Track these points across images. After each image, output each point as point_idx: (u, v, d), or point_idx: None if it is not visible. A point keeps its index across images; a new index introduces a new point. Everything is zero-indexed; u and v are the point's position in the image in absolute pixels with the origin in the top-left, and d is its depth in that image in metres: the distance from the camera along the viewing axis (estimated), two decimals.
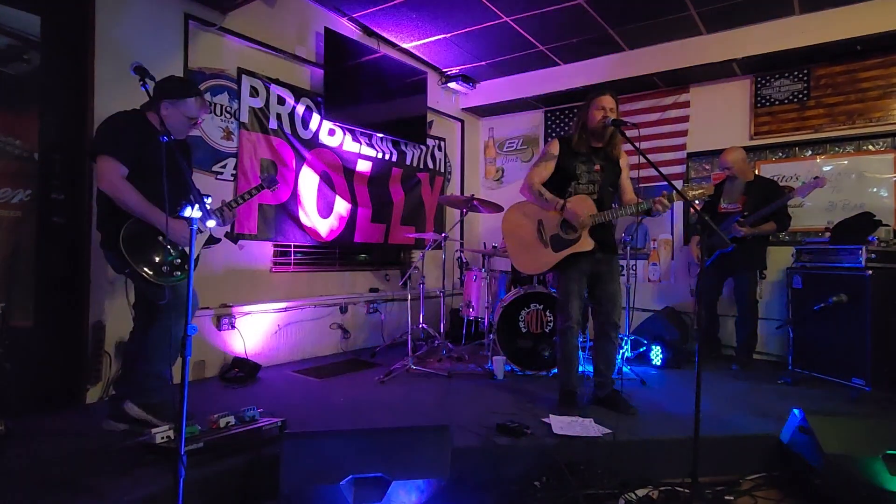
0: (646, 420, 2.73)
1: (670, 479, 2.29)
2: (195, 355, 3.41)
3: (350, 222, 4.61)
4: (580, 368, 3.31)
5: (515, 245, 3.05)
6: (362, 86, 4.55)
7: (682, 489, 2.22)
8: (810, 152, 4.55)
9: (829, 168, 4.42)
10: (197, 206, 1.71)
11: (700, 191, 2.70)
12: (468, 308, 4.34)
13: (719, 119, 4.88)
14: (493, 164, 6.37)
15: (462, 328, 4.63)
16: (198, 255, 2.62)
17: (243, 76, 3.80)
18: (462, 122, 6.09)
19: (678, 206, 5.01)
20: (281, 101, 4.06)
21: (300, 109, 4.20)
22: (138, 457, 2.05)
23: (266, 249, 4.07)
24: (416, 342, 4.33)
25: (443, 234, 4.23)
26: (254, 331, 3.86)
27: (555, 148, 2.95)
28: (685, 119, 5.05)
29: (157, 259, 2.32)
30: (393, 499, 1.91)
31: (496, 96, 5.75)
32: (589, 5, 4.07)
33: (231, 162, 3.75)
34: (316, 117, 4.31)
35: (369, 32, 4.72)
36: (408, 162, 5.23)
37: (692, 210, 2.33)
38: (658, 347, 4.09)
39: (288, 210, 4.12)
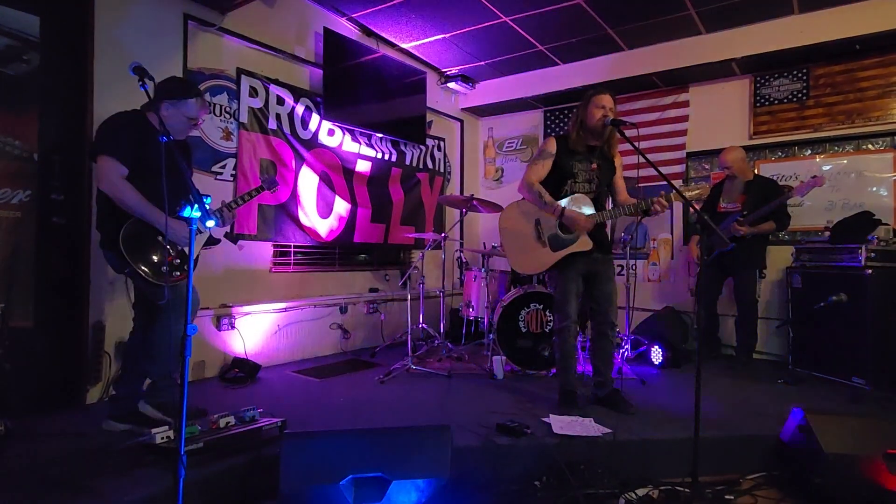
0: (646, 420, 2.73)
1: (670, 479, 2.29)
2: (195, 355, 3.41)
3: (350, 222, 4.61)
4: (580, 368, 3.31)
5: (513, 245, 3.04)
6: (362, 86, 4.55)
7: (682, 489, 2.22)
8: (809, 152, 4.55)
9: (828, 167, 4.42)
10: (196, 206, 1.71)
11: (696, 192, 2.71)
12: (468, 308, 4.34)
13: (719, 118, 4.88)
14: (493, 164, 6.37)
15: (462, 328, 4.63)
16: (197, 256, 2.62)
17: (242, 76, 3.80)
18: (461, 122, 6.09)
19: (678, 205, 5.02)
20: (280, 101, 4.06)
21: (299, 110, 4.20)
22: (138, 457, 2.05)
23: (266, 250, 4.07)
24: (416, 342, 4.33)
25: (442, 234, 4.23)
26: (254, 331, 3.86)
27: (552, 146, 2.94)
28: (684, 119, 5.05)
29: (156, 259, 2.32)
30: (393, 499, 1.91)
31: (495, 96, 5.76)
32: (588, 5, 4.07)
33: (230, 162, 3.75)
34: (315, 117, 4.31)
35: (368, 32, 4.72)
36: (407, 162, 5.23)
37: (692, 210, 2.33)
38: (658, 347, 4.09)
39: (287, 210, 4.12)
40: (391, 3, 4.17)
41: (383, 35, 4.78)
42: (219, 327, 3.64)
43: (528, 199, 2.98)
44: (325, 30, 4.24)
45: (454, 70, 5.51)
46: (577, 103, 2.98)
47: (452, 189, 5.99)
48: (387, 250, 5.27)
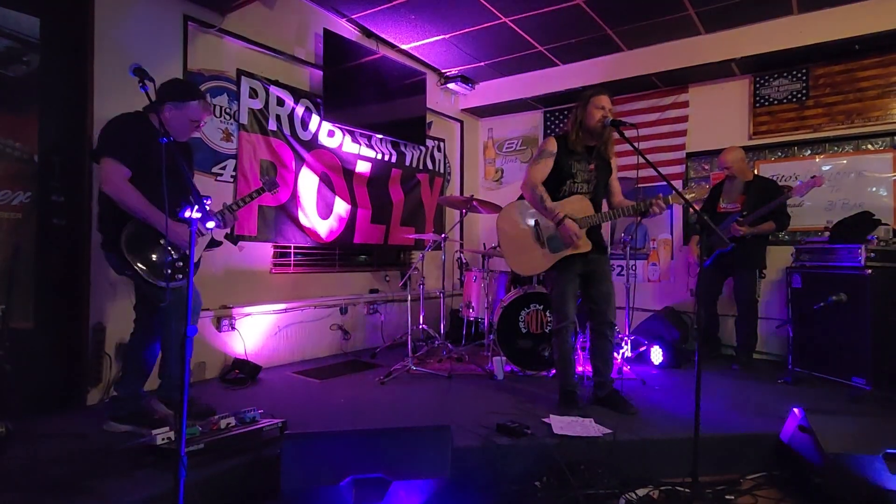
0: (646, 420, 2.74)
1: (671, 479, 2.29)
2: (195, 357, 3.41)
3: (350, 223, 4.61)
4: (579, 368, 3.32)
5: (511, 246, 3.03)
6: (361, 87, 4.55)
7: (682, 489, 2.22)
8: (809, 152, 4.55)
9: (828, 167, 4.43)
10: (197, 207, 1.71)
11: (692, 194, 2.72)
12: (468, 308, 4.35)
13: (718, 119, 4.88)
14: (493, 165, 6.37)
15: (462, 329, 4.63)
16: (199, 259, 2.63)
17: (242, 77, 3.80)
18: (461, 122, 6.09)
19: (677, 206, 5.02)
20: (280, 102, 4.06)
21: (299, 111, 4.20)
22: (139, 458, 2.06)
23: (266, 250, 4.08)
24: (417, 343, 4.33)
25: (442, 235, 4.23)
26: (254, 332, 3.86)
27: (552, 145, 2.94)
28: (684, 119, 5.06)
29: (157, 261, 2.32)
30: (393, 499, 1.91)
31: (495, 97, 5.76)
32: (587, 6, 4.07)
33: (231, 163, 3.75)
34: (315, 118, 4.31)
35: (368, 33, 4.72)
36: (407, 163, 5.23)
37: (691, 210, 2.33)
38: (658, 347, 4.09)
39: (287, 211, 4.12)
40: (391, 4, 4.18)
41: (383, 36, 4.78)
42: (219, 328, 3.64)
43: (529, 201, 2.97)
44: (325, 31, 4.24)
45: (454, 71, 5.51)
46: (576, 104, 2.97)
47: (452, 190, 5.99)
48: (387, 251, 5.27)
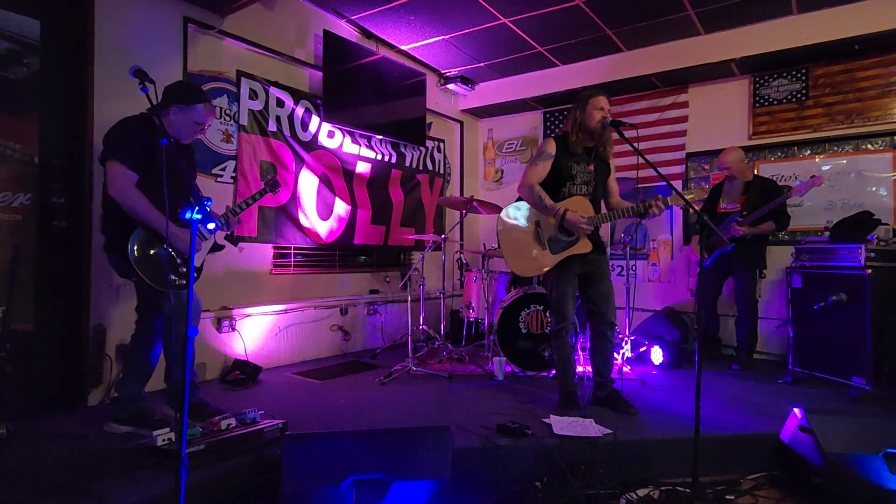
0: (646, 420, 2.74)
1: (671, 479, 2.29)
2: (196, 358, 3.41)
3: (350, 224, 4.61)
4: (580, 369, 3.32)
5: (511, 248, 3.03)
6: (361, 88, 4.56)
7: (682, 489, 2.22)
8: (809, 152, 4.56)
9: (827, 167, 4.43)
10: (197, 208, 1.71)
11: (692, 195, 2.72)
12: (468, 309, 4.35)
13: (718, 119, 4.89)
14: (493, 165, 6.37)
15: (462, 329, 4.63)
16: (202, 264, 2.63)
17: (242, 79, 3.81)
18: (461, 123, 6.09)
19: (677, 206, 5.01)
20: (280, 103, 4.07)
21: (299, 112, 4.20)
22: (140, 459, 2.06)
23: (266, 251, 4.08)
24: (417, 343, 4.33)
25: (442, 236, 4.23)
26: (254, 333, 3.87)
27: (551, 147, 2.94)
28: (684, 119, 5.06)
29: (163, 268, 2.33)
30: (394, 500, 1.91)
31: (495, 97, 5.76)
32: (587, 6, 4.08)
33: (231, 164, 3.75)
34: (315, 119, 4.32)
35: (368, 34, 4.72)
36: (407, 163, 5.24)
37: (691, 210, 2.34)
38: (658, 347, 4.10)
39: (287, 212, 4.13)
40: (391, 5, 4.18)
41: (383, 37, 4.79)
42: (219, 329, 3.65)
43: (528, 202, 2.97)
44: (325, 32, 4.25)
45: (454, 71, 5.52)
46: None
47: (452, 190, 5.99)
48: (387, 252, 5.28)
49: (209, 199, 2.19)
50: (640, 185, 4.91)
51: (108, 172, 2.33)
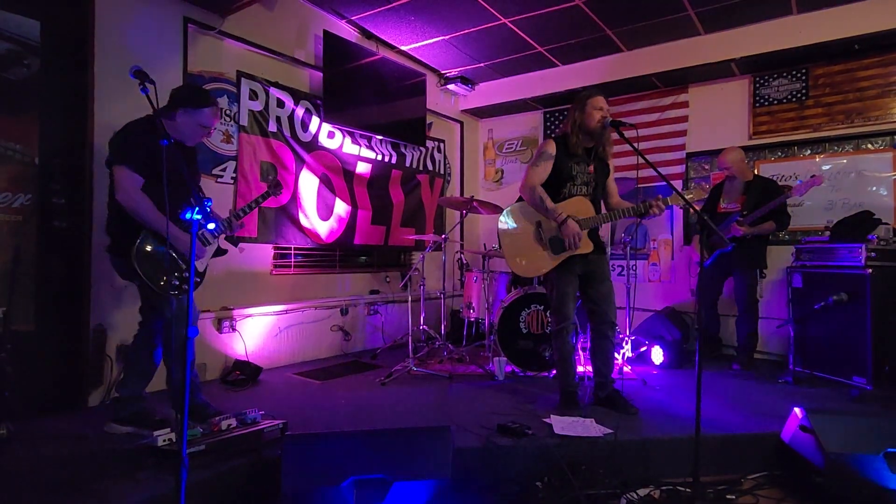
0: (647, 420, 2.74)
1: (672, 479, 2.29)
2: (196, 358, 3.41)
3: (350, 224, 4.61)
4: (580, 369, 3.31)
5: (512, 248, 3.02)
6: (361, 88, 4.56)
7: (683, 489, 2.22)
8: (809, 151, 4.55)
9: (828, 167, 4.43)
10: (197, 209, 1.71)
11: (691, 195, 2.73)
12: (469, 309, 4.35)
13: (718, 119, 4.89)
14: (493, 166, 6.38)
15: (463, 329, 4.63)
16: (206, 268, 2.64)
17: (243, 79, 3.81)
18: (461, 123, 6.10)
19: (678, 206, 5.01)
20: (280, 104, 4.07)
21: (299, 112, 4.20)
22: (140, 459, 2.06)
23: (266, 252, 4.08)
24: (417, 344, 4.33)
25: (443, 236, 4.24)
26: (254, 333, 3.87)
27: (552, 148, 2.93)
28: (684, 119, 5.06)
29: (167, 273, 2.34)
30: (394, 500, 1.91)
31: (495, 98, 5.77)
32: (587, 6, 4.08)
33: (231, 165, 3.75)
34: (315, 120, 4.32)
35: (368, 35, 4.73)
36: (407, 164, 5.24)
37: (692, 210, 2.34)
38: (659, 347, 4.09)
39: (288, 212, 4.13)
40: (391, 6, 4.19)
41: (383, 37, 4.79)
42: (220, 330, 3.65)
43: (530, 203, 2.96)
44: (325, 32, 4.25)
45: (454, 72, 5.52)
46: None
47: (452, 191, 5.99)
48: (387, 252, 5.28)
49: (209, 200, 2.20)
50: (640, 186, 4.91)
51: (114, 177, 2.35)
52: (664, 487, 2.25)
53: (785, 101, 4.59)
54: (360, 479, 1.91)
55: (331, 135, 4.45)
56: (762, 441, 2.53)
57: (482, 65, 5.32)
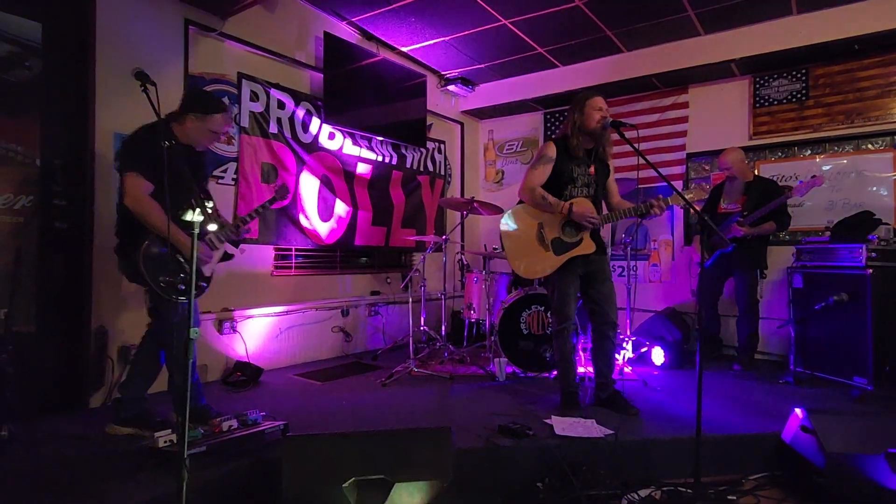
0: (648, 420, 2.74)
1: (673, 480, 2.29)
2: (197, 360, 3.41)
3: (350, 225, 4.62)
4: (581, 370, 3.31)
5: (515, 250, 3.02)
6: (362, 89, 4.57)
7: (684, 489, 2.22)
8: (809, 152, 4.56)
9: (828, 167, 4.43)
10: (198, 210, 1.72)
11: (691, 194, 2.73)
12: (469, 310, 4.35)
13: (718, 119, 4.89)
14: (493, 167, 6.38)
15: (463, 330, 4.64)
16: (212, 273, 2.64)
17: (243, 81, 3.81)
18: (461, 124, 6.10)
19: (678, 206, 5.01)
20: (281, 105, 4.07)
21: (300, 113, 4.21)
22: (141, 461, 2.06)
23: (267, 253, 4.08)
24: (418, 345, 4.34)
25: (443, 237, 4.24)
26: (255, 334, 3.87)
27: (551, 150, 2.93)
28: (684, 120, 5.06)
29: (173, 278, 2.35)
30: (395, 501, 1.91)
31: (495, 98, 5.77)
32: (587, 7, 4.08)
33: (232, 166, 3.76)
34: (316, 121, 4.33)
35: (368, 36, 4.73)
36: (408, 165, 5.24)
37: (692, 211, 2.34)
38: (659, 348, 4.09)
39: (288, 214, 4.13)
40: (391, 7, 4.19)
41: (383, 39, 4.79)
42: (220, 331, 3.65)
43: (530, 204, 2.96)
44: (326, 34, 4.25)
45: (454, 73, 5.52)
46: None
47: (453, 191, 5.99)
48: (388, 253, 5.28)
49: (209, 201, 2.20)
50: (640, 186, 4.91)
51: (124, 183, 2.37)
52: (665, 488, 2.25)
53: (785, 101, 4.59)
54: (361, 479, 1.91)
55: (331, 136, 4.46)
56: (763, 441, 2.53)
57: (482, 66, 5.32)
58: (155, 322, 2.54)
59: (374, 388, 3.42)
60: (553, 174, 2.92)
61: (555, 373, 3.55)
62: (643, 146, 4.99)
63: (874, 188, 4.25)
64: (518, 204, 3.08)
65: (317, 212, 4.35)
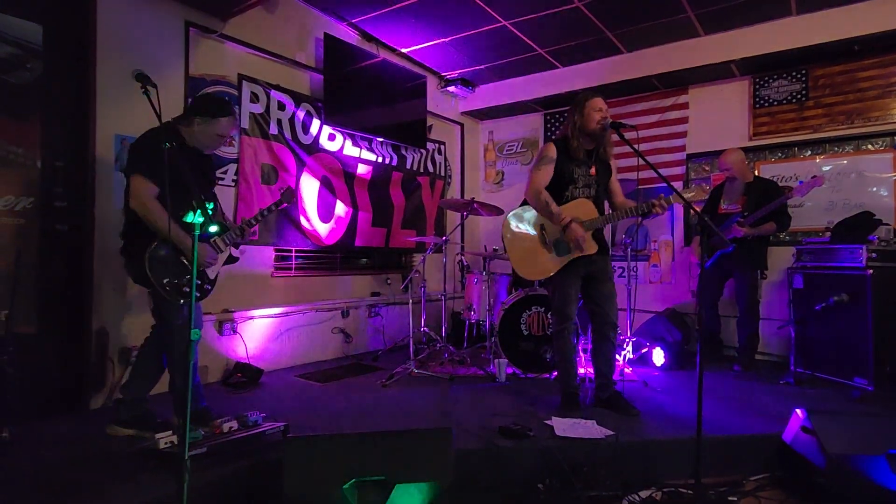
0: (648, 421, 2.74)
1: (673, 481, 2.29)
2: (198, 361, 3.41)
3: (351, 226, 4.62)
4: (581, 371, 3.31)
5: (517, 252, 3.02)
6: (362, 90, 4.57)
7: (685, 490, 2.22)
8: (809, 152, 4.56)
9: (828, 168, 4.43)
10: (199, 211, 1.72)
11: (692, 194, 2.73)
12: (469, 311, 4.35)
13: (718, 120, 4.89)
14: (493, 168, 6.38)
15: (464, 331, 4.64)
16: (216, 275, 2.65)
17: (244, 82, 3.82)
18: (462, 125, 6.10)
19: (678, 207, 5.02)
20: (281, 106, 4.08)
21: (300, 115, 4.21)
22: (142, 462, 2.06)
23: (267, 254, 4.08)
24: (418, 346, 4.33)
25: (443, 238, 4.24)
26: (256, 336, 3.87)
27: (552, 151, 2.94)
28: (684, 120, 5.06)
29: (178, 280, 2.35)
30: (396, 502, 1.91)
31: (495, 99, 5.77)
32: (587, 8, 4.09)
33: (232, 168, 3.76)
34: (316, 122, 4.33)
35: (368, 37, 4.74)
36: (408, 166, 5.24)
37: (692, 211, 2.34)
38: (659, 349, 4.09)
39: (289, 215, 4.13)
40: (391, 8, 4.20)
41: (383, 40, 4.80)
42: (221, 332, 3.65)
43: (534, 207, 2.96)
44: (326, 35, 4.26)
45: (454, 74, 5.53)
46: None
47: (453, 192, 6.00)
48: (388, 254, 5.28)
49: (210, 202, 2.20)
50: (640, 187, 4.91)
51: (130, 185, 2.39)
52: (666, 489, 2.25)
53: (785, 101, 4.59)
54: (362, 480, 1.91)
55: (331, 137, 4.46)
56: (764, 442, 2.53)
57: (482, 67, 5.33)
58: (159, 324, 2.54)
59: (374, 389, 3.42)
60: (554, 175, 2.92)
61: (555, 374, 3.55)
62: (643, 147, 4.99)
63: (874, 189, 4.25)
64: (521, 205, 3.08)
65: (317, 213, 4.35)
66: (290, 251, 4.30)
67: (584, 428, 2.53)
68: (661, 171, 2.51)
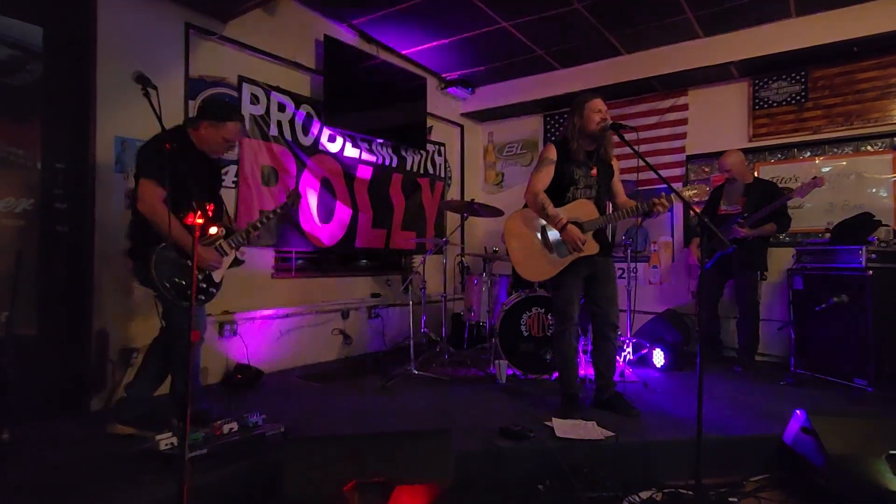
0: (648, 422, 2.74)
1: (674, 481, 2.29)
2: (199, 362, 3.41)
3: (351, 228, 4.62)
4: (581, 372, 3.31)
5: (519, 253, 3.02)
6: (362, 92, 4.57)
7: (685, 491, 2.22)
8: (809, 154, 4.56)
9: (827, 169, 4.43)
10: (199, 212, 1.72)
11: (694, 191, 2.74)
12: (470, 312, 4.35)
13: (718, 121, 4.90)
14: (493, 169, 6.39)
15: (464, 332, 4.64)
16: (222, 279, 2.65)
17: (244, 84, 3.82)
18: (461, 126, 6.11)
19: (678, 208, 5.03)
20: (281, 108, 4.08)
21: (300, 116, 4.22)
22: (143, 463, 2.06)
23: (267, 256, 4.09)
24: (418, 347, 4.33)
25: (443, 239, 4.24)
26: (256, 337, 3.87)
27: (552, 153, 2.94)
28: (684, 122, 5.07)
29: (184, 283, 2.36)
30: (396, 503, 1.91)
31: (495, 101, 5.78)
32: (586, 10, 4.09)
33: (232, 169, 3.76)
34: (316, 124, 4.33)
35: (368, 39, 4.74)
36: (408, 167, 5.25)
37: (692, 212, 2.34)
38: (660, 350, 4.10)
39: (289, 216, 4.13)
40: (391, 10, 4.20)
41: (383, 41, 4.81)
42: (221, 334, 3.65)
43: (532, 208, 2.96)
44: (326, 37, 4.26)
45: (454, 75, 5.54)
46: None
47: (453, 194, 6.00)
48: (388, 255, 5.28)
49: (211, 204, 2.21)
50: (640, 188, 4.92)
51: (139, 188, 2.40)
52: (666, 490, 2.25)
53: (784, 103, 4.60)
54: (362, 482, 1.91)
55: (331, 138, 4.47)
56: (764, 443, 2.53)
57: (482, 68, 5.34)
58: (165, 326, 2.54)
59: (374, 391, 3.42)
60: (555, 176, 2.92)
61: (555, 375, 3.55)
62: (643, 148, 4.99)
63: (874, 190, 4.25)
64: (524, 207, 3.08)
65: (317, 215, 4.35)
66: (291, 253, 4.30)
67: (584, 429, 2.53)
68: (660, 172, 2.51)
